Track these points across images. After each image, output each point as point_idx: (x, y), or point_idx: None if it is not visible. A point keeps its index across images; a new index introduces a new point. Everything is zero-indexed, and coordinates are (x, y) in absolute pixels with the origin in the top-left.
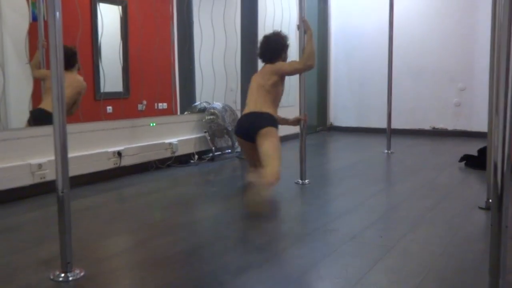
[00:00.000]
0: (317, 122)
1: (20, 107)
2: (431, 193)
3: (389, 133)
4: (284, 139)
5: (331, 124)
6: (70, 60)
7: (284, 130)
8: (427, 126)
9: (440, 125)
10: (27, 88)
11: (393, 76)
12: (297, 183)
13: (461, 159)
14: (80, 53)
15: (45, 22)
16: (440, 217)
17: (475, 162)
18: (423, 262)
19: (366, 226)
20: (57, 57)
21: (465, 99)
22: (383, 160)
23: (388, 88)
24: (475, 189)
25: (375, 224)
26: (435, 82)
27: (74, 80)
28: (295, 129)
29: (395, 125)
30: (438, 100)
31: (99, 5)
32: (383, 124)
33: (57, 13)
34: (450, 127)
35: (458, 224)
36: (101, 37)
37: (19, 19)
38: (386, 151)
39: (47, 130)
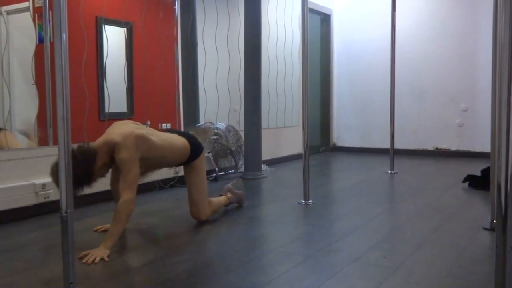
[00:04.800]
0: (320, 142)
1: (25, 127)
2: (435, 213)
3: (392, 153)
4: (287, 159)
5: (334, 144)
6: None
7: (287, 150)
8: (430, 147)
9: (443, 145)
10: (33, 109)
11: (396, 97)
12: (300, 203)
13: (465, 180)
14: (86, 74)
15: (51, 44)
16: (444, 238)
17: (479, 182)
18: (428, 283)
19: (370, 247)
20: (63, 78)
21: (468, 119)
22: (387, 181)
23: (391, 109)
24: (479, 210)
25: (379, 244)
26: (438, 102)
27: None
28: (298, 149)
29: (398, 145)
30: (441, 121)
31: (104, 27)
32: (386, 144)
33: (64, 35)
34: (453, 147)
35: (462, 245)
36: (106, 58)
37: (25, 41)
38: (389, 171)
39: (51, 150)
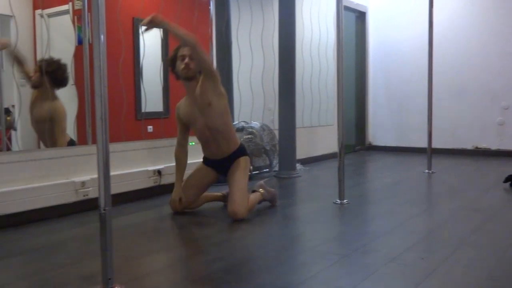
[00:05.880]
0: (355, 142)
1: None
2: (475, 214)
3: (430, 153)
4: (322, 158)
5: (370, 143)
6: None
7: (322, 149)
8: (469, 146)
9: (483, 144)
10: (73, 109)
11: (433, 94)
12: (335, 203)
13: (506, 180)
14: (123, 75)
15: (90, 45)
16: (484, 239)
17: None
18: (467, 286)
19: (407, 248)
20: (101, 79)
21: (509, 117)
22: (424, 180)
23: (428, 107)
24: None
25: (416, 245)
26: (477, 100)
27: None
28: (333, 149)
29: (436, 144)
30: (481, 119)
31: (141, 28)
32: (423, 144)
33: (102, 37)
34: (493, 146)
35: (503, 247)
36: (142, 59)
37: (65, 43)
38: (427, 171)
39: (90, 149)
